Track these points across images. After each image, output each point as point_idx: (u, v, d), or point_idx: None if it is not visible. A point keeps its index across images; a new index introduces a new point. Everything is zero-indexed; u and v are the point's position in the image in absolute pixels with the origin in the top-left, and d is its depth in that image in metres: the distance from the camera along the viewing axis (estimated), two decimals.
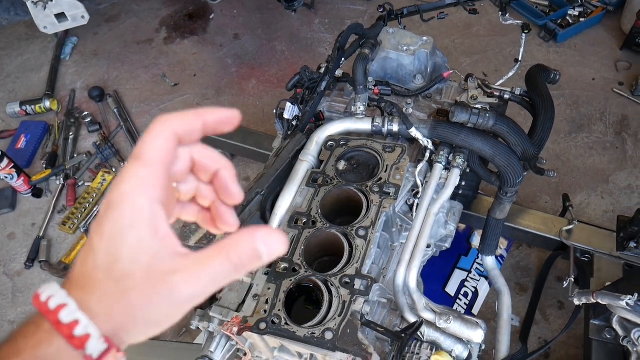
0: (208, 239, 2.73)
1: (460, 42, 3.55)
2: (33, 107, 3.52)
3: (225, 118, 0.59)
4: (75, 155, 3.31)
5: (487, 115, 1.71)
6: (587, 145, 2.99)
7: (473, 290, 2.54)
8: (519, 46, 2.10)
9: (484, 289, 2.55)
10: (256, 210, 1.75)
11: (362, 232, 1.60)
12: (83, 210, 3.02)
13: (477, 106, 1.81)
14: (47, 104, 3.51)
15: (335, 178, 1.75)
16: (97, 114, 3.51)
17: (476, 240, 2.73)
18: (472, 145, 1.76)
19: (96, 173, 3.19)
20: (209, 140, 2.95)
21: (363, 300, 1.48)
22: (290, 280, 1.53)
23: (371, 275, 1.51)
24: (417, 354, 1.49)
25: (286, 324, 1.45)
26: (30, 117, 3.55)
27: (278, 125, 2.24)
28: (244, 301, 1.56)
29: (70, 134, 3.41)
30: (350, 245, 1.59)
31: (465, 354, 1.71)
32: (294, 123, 2.13)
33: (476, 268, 2.60)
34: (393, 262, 1.89)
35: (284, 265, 1.57)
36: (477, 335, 1.68)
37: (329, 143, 1.85)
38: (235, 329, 1.48)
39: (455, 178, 1.78)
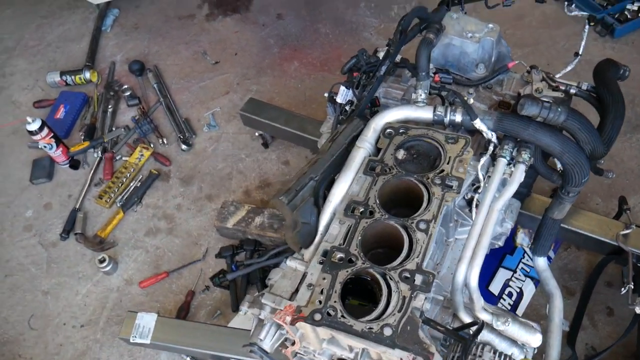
0: (246, 221, 2.69)
1: (511, 33, 3.42)
2: (73, 77, 3.49)
3: None
4: (114, 129, 3.28)
5: (559, 109, 1.62)
6: None
7: (518, 290, 2.46)
8: (572, 40, 2.00)
9: (529, 289, 2.47)
10: (309, 196, 1.69)
11: (423, 226, 1.53)
12: (120, 185, 3.00)
13: (546, 100, 1.71)
14: (87, 75, 3.48)
15: (394, 167, 1.67)
16: (136, 88, 3.47)
17: (520, 239, 2.64)
18: (540, 141, 1.66)
19: (134, 148, 3.16)
20: (249, 121, 2.89)
21: (424, 297, 1.41)
22: (347, 271, 1.47)
23: (432, 271, 1.44)
24: (480, 356, 1.42)
25: (342, 316, 1.39)
26: (69, 88, 3.53)
27: (329, 109, 2.16)
28: (297, 290, 1.51)
29: (109, 106, 3.38)
30: (410, 239, 1.52)
31: (520, 358, 1.64)
32: (347, 108, 2.05)
33: (521, 268, 2.51)
34: (447, 258, 1.82)
35: (339, 255, 1.51)
36: (535, 339, 1.61)
37: (388, 130, 1.78)
38: (289, 319, 1.42)
39: (520, 174, 1.69)
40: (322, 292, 1.44)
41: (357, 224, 1.56)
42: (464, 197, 1.82)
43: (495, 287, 2.46)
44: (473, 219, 1.72)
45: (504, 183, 1.78)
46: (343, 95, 2.02)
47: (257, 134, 3.04)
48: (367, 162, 1.71)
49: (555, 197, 1.91)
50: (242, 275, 2.55)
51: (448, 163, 1.65)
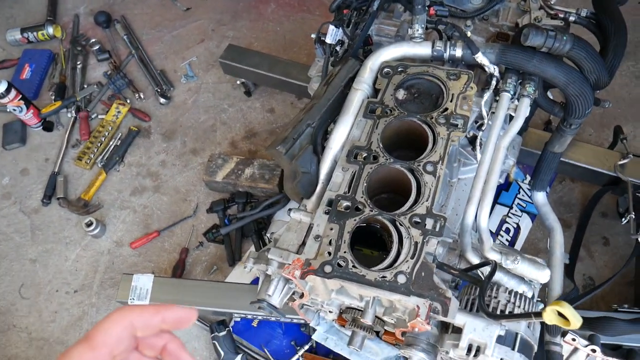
0: (236, 174, 2.60)
1: None
2: (35, 33, 3.27)
3: (184, 317, 0.64)
4: (86, 86, 3.11)
5: (564, 38, 1.54)
6: (632, 74, 2.82)
7: (515, 226, 2.46)
8: None
9: (525, 224, 2.47)
10: (307, 143, 1.61)
11: (430, 168, 1.47)
12: (99, 145, 2.86)
13: (550, 28, 1.63)
14: (50, 30, 3.26)
15: (395, 108, 1.59)
16: (104, 41, 3.27)
17: (515, 175, 2.62)
18: (545, 72, 1.59)
19: (109, 105, 3.00)
20: (230, 69, 2.75)
21: (436, 241, 1.37)
22: (355, 219, 1.41)
23: (443, 214, 1.39)
24: (495, 297, 1.40)
25: (354, 266, 1.34)
26: (32, 45, 3.31)
27: (318, 51, 2.05)
28: (304, 242, 1.45)
29: (78, 63, 3.18)
30: (418, 182, 1.46)
31: (530, 294, 1.63)
32: (337, 48, 1.94)
33: (517, 203, 2.50)
34: (451, 199, 1.78)
35: (346, 203, 1.45)
36: (543, 275, 1.59)
37: (385, 70, 1.68)
38: (298, 273, 1.37)
39: (525, 108, 1.63)
40: (330, 243, 1.39)
41: (361, 170, 1.49)
42: (466, 136, 1.76)
43: (492, 224, 2.45)
44: (478, 158, 1.67)
45: (507, 119, 1.72)
46: (333, 35, 1.91)
47: (238, 82, 2.91)
48: (366, 105, 1.63)
49: (557, 130, 1.86)
50: (236, 229, 2.50)
51: (451, 101, 1.57)
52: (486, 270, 1.62)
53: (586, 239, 2.38)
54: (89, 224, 2.55)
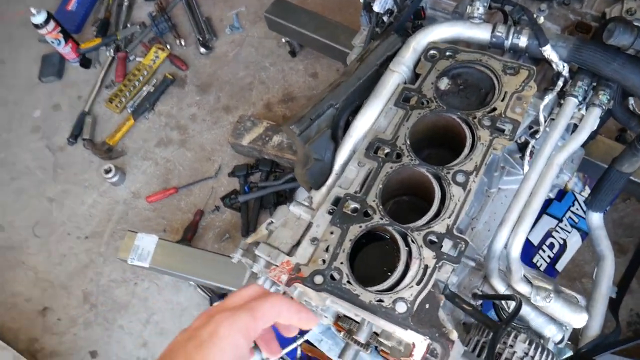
0: (263, 140, 2.43)
1: None
2: None
3: (311, 322, 0.78)
4: (129, 25, 2.97)
5: None
6: None
7: (561, 242, 2.17)
8: None
9: (573, 242, 2.18)
10: (326, 127, 1.39)
11: (461, 178, 1.23)
12: (132, 89, 2.75)
13: None
14: None
15: (434, 100, 1.34)
16: None
17: (572, 184, 2.31)
18: (626, 80, 1.30)
19: (149, 48, 2.86)
20: (275, 25, 2.53)
21: (451, 269, 1.15)
22: (360, 226, 1.20)
23: (465, 237, 1.15)
24: (511, 346, 1.18)
25: (348, 282, 1.15)
26: None
27: (363, 19, 1.80)
28: (299, 242, 1.26)
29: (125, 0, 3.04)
30: (443, 193, 1.23)
31: (558, 338, 1.40)
32: (384, 18, 1.68)
33: (569, 217, 2.21)
34: (485, 211, 1.53)
35: (354, 205, 1.24)
36: (579, 320, 1.35)
37: (431, 52, 1.43)
38: (285, 277, 1.19)
39: (593, 120, 1.34)
40: (327, 249, 1.19)
41: (380, 169, 1.27)
42: (516, 140, 1.50)
43: (535, 236, 2.18)
44: (524, 170, 1.40)
45: (568, 128, 1.43)
46: (382, 2, 1.64)
47: (283, 40, 2.69)
48: (400, 91, 1.39)
49: (629, 148, 1.55)
50: (255, 198, 2.34)
51: (503, 100, 1.31)
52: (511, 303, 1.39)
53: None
54: (107, 171, 2.46)
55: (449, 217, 1.19)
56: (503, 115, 1.28)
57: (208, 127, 2.62)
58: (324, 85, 2.64)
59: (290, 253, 1.24)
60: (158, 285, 2.28)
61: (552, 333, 1.38)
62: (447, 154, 1.39)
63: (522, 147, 1.52)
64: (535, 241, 2.17)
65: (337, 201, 1.26)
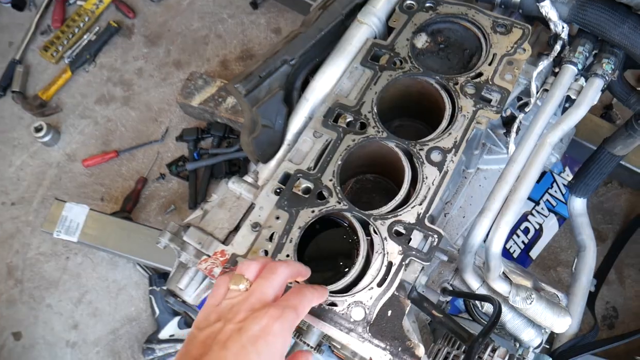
0: (216, 101, 2.16)
1: None
2: None
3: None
4: None
5: None
6: None
7: (537, 227, 2.01)
8: None
9: (550, 227, 2.02)
10: (279, 87, 1.15)
11: (436, 157, 1.01)
12: (70, 36, 2.42)
13: None
14: None
15: (409, 60, 1.11)
16: None
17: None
18: (636, 46, 1.09)
19: None
20: None
21: (420, 268, 0.94)
22: (313, 211, 0.98)
23: (439, 230, 0.95)
24: None
25: (295, 281, 0.93)
26: None
27: None
28: (237, 228, 1.03)
29: None
30: (415, 173, 1.01)
31: (536, 342, 1.23)
32: None
33: (546, 200, 2.04)
34: (461, 194, 1.33)
35: (306, 185, 1.01)
36: (561, 324, 1.17)
37: (408, 2, 1.19)
38: (217, 270, 0.97)
39: (594, 92, 1.14)
40: (271, 237, 0.97)
41: (339, 141, 1.04)
42: (500, 116, 1.29)
43: None
44: (510, 149, 1.20)
45: (562, 103, 1.23)
46: None
47: None
48: (369, 47, 1.15)
49: (625, 128, 1.37)
50: (205, 166, 2.09)
51: (490, 64, 1.09)
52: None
53: (620, 260, 1.93)
54: (39, 129, 2.17)
55: (420, 204, 0.98)
56: (490, 82, 1.07)
57: (156, 84, 2.34)
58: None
59: (225, 241, 1.02)
60: (92, 260, 2.03)
61: (530, 337, 1.21)
62: (422, 126, 1.19)
63: (508, 122, 1.32)
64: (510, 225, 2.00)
65: (287, 179, 1.03)
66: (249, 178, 1.11)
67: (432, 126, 1.08)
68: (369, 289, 0.91)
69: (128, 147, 2.20)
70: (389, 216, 0.97)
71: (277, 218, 0.97)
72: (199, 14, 2.48)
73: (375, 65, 1.11)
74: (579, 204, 1.67)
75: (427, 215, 0.96)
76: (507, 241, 2.00)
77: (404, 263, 0.93)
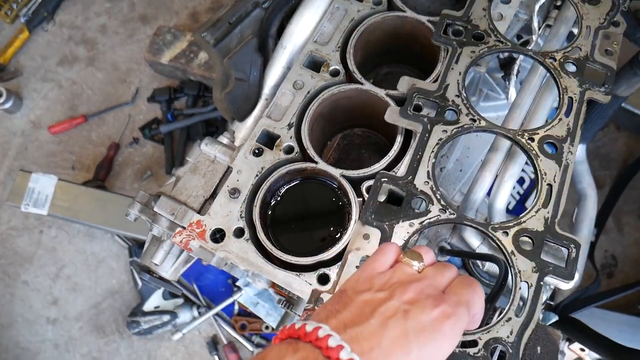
0: (187, 57, 2.01)
1: None
2: None
3: None
4: None
5: None
6: None
7: (532, 176, 1.92)
8: None
9: None
10: (251, 35, 1.02)
11: (551, 148, 0.89)
12: None
13: None
14: None
15: (492, 33, 0.96)
16: None
17: None
18: None
19: None
20: None
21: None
22: (411, 224, 0.80)
23: (575, 237, 0.81)
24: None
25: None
26: None
27: None
28: (213, 195, 0.92)
29: None
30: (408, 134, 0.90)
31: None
32: None
33: None
34: (457, 148, 1.23)
35: (287, 144, 0.90)
36: (568, 284, 1.10)
37: None
38: (195, 244, 0.86)
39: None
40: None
41: (427, 134, 0.87)
42: (498, 56, 1.18)
43: None
44: (510, 95, 1.09)
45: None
46: None
47: None
48: (440, 21, 1.02)
49: (629, 65, 1.26)
50: (181, 128, 1.96)
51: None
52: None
53: (618, 207, 1.87)
54: None
55: (545, 207, 0.83)
56: (591, 59, 0.93)
57: (122, 41, 2.17)
58: None
59: (201, 210, 0.92)
60: (68, 233, 1.92)
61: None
62: (410, 74, 1.06)
63: (506, 64, 1.21)
64: None
65: (267, 137, 0.92)
66: (224, 139, 1.00)
67: (423, 71, 0.97)
68: (506, 320, 0.78)
69: (97, 111, 2.06)
70: (511, 224, 0.83)
71: (366, 237, 0.81)
72: None
73: (451, 40, 0.95)
74: (578, 151, 1.58)
75: (557, 219, 0.84)
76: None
77: (542, 283, 0.80)
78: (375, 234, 0.79)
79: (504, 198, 0.96)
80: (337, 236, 0.88)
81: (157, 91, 2.03)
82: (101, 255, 1.90)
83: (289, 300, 1.07)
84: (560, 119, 0.88)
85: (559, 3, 1.08)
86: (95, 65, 2.15)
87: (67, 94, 2.11)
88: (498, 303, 0.81)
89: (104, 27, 2.20)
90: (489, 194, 1.01)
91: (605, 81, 0.92)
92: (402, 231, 0.79)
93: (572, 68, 0.92)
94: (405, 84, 0.90)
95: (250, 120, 1.04)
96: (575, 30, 1.05)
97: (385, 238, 0.78)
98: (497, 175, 0.96)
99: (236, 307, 1.79)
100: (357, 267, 0.77)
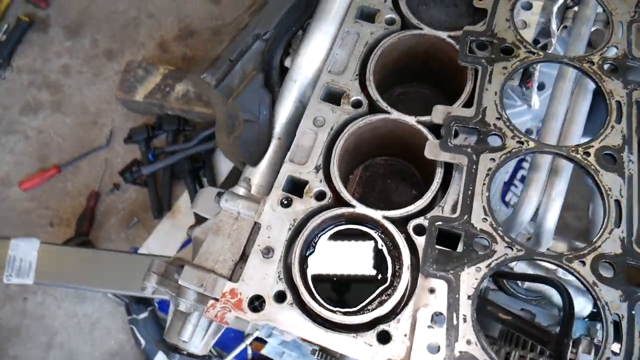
0: (163, 91, 1.90)
1: None
2: None
3: None
4: None
5: None
6: None
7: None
8: None
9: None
10: (254, 70, 0.93)
11: (609, 160, 0.81)
12: None
13: None
14: None
15: (521, 45, 0.88)
16: None
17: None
18: None
19: None
20: None
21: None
22: (478, 269, 0.71)
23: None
24: None
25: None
26: None
27: None
28: (243, 256, 0.82)
29: None
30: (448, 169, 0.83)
31: (586, 311, 1.11)
32: None
33: None
34: None
35: (318, 189, 0.81)
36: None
37: None
38: (231, 317, 0.76)
39: None
40: (432, 319, 0.74)
41: (474, 166, 0.79)
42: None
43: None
44: (533, 103, 1.03)
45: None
46: None
47: None
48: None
49: None
50: (164, 168, 1.84)
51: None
52: None
53: None
54: None
55: (619, 227, 0.75)
56: (630, 56, 0.88)
57: (88, 81, 2.04)
58: (231, 12, 2.11)
59: (232, 276, 0.81)
60: (55, 297, 1.78)
61: (580, 307, 1.08)
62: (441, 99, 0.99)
63: (523, 71, 1.14)
64: (506, 177, 1.87)
65: (292, 185, 0.83)
66: (240, 189, 0.89)
67: (450, 95, 0.89)
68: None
69: (70, 160, 1.93)
70: (586, 251, 0.74)
71: (432, 292, 0.73)
72: None
73: (480, 59, 0.87)
74: None
75: (633, 238, 0.75)
76: (505, 194, 1.87)
77: (633, 312, 0.71)
78: (441, 286, 0.71)
79: (554, 217, 0.89)
80: (387, 285, 0.80)
81: (134, 130, 1.90)
82: (94, 316, 1.76)
83: (325, 351, 0.97)
84: (613, 127, 0.82)
85: (570, 4, 1.02)
86: (61, 110, 2.01)
87: (35, 145, 1.96)
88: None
89: (67, 67, 2.06)
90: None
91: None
92: (470, 278, 0.71)
93: (612, 69, 0.86)
94: (439, 113, 0.82)
95: (264, 163, 0.94)
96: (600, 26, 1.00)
97: (453, 289, 0.70)
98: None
99: (249, 351, 1.68)
100: (429, 326, 0.69)
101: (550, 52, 1.03)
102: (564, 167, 0.89)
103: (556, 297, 1.09)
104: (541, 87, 1.20)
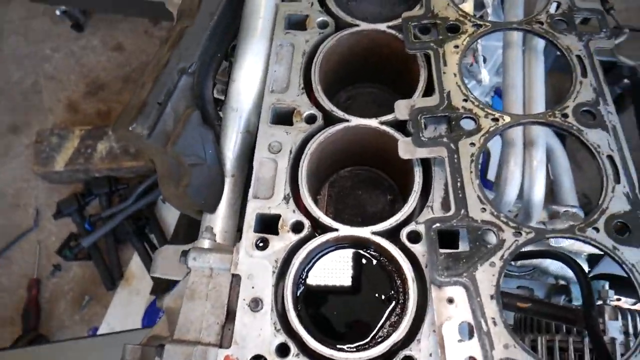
0: (84, 154, 1.75)
1: None
2: None
3: None
4: None
5: None
6: None
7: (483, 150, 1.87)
8: None
9: (495, 142, 1.89)
10: (188, 107, 0.83)
11: (589, 116, 0.77)
12: None
13: None
14: None
15: (466, 20, 0.83)
16: None
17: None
18: None
19: None
20: None
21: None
22: (492, 263, 0.65)
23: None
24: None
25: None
26: None
27: None
28: (229, 316, 0.72)
29: None
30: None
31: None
32: None
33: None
34: None
35: (294, 220, 0.73)
36: None
37: None
38: None
39: None
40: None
41: (455, 155, 0.73)
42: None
43: None
44: (483, 78, 1.00)
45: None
46: None
47: (58, 12, 1.95)
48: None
49: None
50: (105, 235, 1.69)
51: None
52: None
53: (568, 146, 1.87)
54: None
55: (619, 182, 0.71)
56: (575, 8, 0.86)
57: None
58: (137, 57, 1.99)
59: (222, 342, 0.70)
60: None
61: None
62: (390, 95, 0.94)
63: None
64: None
65: (262, 223, 0.73)
66: (205, 242, 0.79)
67: (402, 91, 0.83)
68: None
69: None
70: (595, 217, 0.70)
71: (451, 301, 0.65)
72: (15, 60, 1.99)
73: (428, 43, 0.81)
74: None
75: (636, 189, 0.71)
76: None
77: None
78: (459, 293, 0.64)
79: (540, 189, 0.85)
80: (394, 304, 0.72)
81: (62, 203, 1.74)
82: None
83: None
84: (581, 82, 0.79)
85: None
86: None
87: None
88: None
89: None
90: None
91: (600, 26, 0.84)
92: (487, 276, 0.65)
93: (562, 25, 0.83)
94: (403, 109, 0.76)
95: (222, 207, 0.85)
96: None
97: (472, 293, 0.63)
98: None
99: None
100: (459, 340, 0.62)
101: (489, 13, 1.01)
102: (539, 135, 0.85)
103: (552, 267, 1.06)
104: (484, 60, 1.17)
